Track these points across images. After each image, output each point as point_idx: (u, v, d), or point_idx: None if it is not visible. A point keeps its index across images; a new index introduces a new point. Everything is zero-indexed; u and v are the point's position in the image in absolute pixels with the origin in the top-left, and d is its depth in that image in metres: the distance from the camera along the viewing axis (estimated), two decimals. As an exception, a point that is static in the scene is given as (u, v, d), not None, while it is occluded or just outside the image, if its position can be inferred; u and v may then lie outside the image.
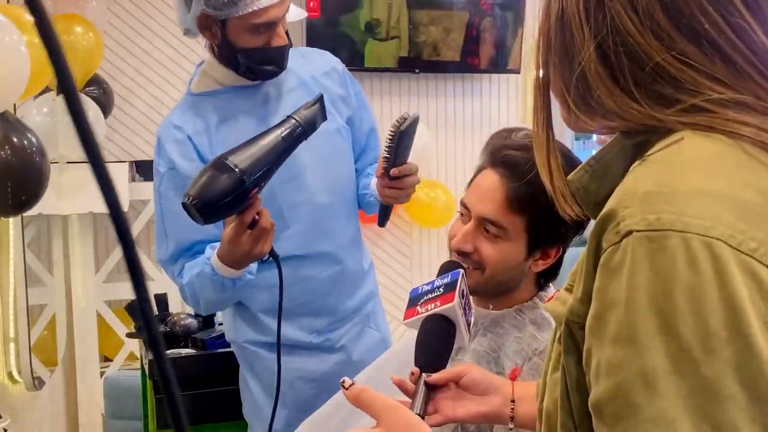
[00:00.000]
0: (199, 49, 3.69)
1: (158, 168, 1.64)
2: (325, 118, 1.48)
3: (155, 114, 3.68)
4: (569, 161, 1.17)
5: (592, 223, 0.67)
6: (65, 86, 0.38)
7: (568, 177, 0.74)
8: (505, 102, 4.18)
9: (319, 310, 1.75)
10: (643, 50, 0.65)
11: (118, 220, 0.41)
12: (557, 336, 0.71)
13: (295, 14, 2.99)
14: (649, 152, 0.65)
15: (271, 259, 1.45)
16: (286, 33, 1.62)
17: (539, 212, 1.20)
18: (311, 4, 3.60)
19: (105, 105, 3.24)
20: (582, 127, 0.75)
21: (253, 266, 1.58)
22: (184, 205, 1.31)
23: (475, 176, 1.32)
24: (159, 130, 1.66)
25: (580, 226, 1.27)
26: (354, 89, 1.81)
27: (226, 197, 1.30)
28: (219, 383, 1.91)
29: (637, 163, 0.65)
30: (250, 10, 1.50)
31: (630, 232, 0.58)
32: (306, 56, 1.78)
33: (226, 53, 1.61)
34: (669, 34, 0.64)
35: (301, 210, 1.68)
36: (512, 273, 1.27)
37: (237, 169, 1.30)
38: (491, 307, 1.31)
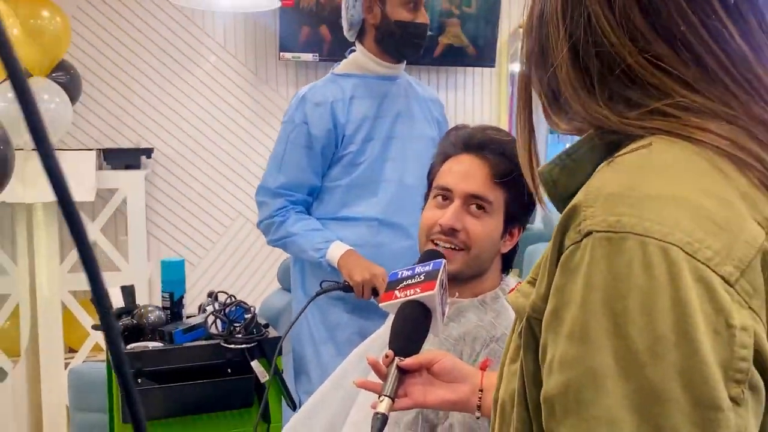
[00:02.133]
0: (170, 35, 3.65)
1: (294, 117, 2.06)
2: None
3: (124, 101, 3.63)
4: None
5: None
6: (13, 73, 0.37)
7: (539, 169, 0.74)
8: (479, 96, 4.18)
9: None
10: (617, 51, 0.65)
11: (70, 213, 0.40)
12: (517, 329, 0.72)
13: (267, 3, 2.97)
14: (618, 154, 0.65)
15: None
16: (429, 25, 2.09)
17: (517, 186, 1.30)
18: (285, -7, 3.58)
19: (72, 91, 3.18)
20: (554, 128, 0.76)
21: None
22: None
23: (438, 166, 1.39)
24: (305, 91, 2.09)
25: (534, 207, 1.39)
26: (445, 125, 2.24)
27: None
28: (186, 377, 1.89)
29: (605, 163, 0.66)
30: None
31: (590, 233, 0.59)
32: (422, 85, 2.31)
33: (385, 29, 2.03)
34: (644, 36, 0.65)
35: (390, 185, 2.09)
36: (491, 251, 1.36)
37: None
38: (457, 294, 1.36)
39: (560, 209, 0.72)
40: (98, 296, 0.42)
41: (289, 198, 2.07)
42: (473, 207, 1.33)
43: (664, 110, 0.65)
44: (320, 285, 1.87)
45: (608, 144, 0.69)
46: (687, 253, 0.56)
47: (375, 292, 1.88)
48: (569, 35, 0.68)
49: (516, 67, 4.36)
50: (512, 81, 4.27)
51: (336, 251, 1.96)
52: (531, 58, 0.75)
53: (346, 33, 2.13)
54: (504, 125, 4.19)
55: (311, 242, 2.01)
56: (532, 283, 0.70)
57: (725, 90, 0.65)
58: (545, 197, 0.77)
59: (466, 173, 1.33)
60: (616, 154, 0.66)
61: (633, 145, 0.65)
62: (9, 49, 0.37)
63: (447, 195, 1.35)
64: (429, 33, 2.17)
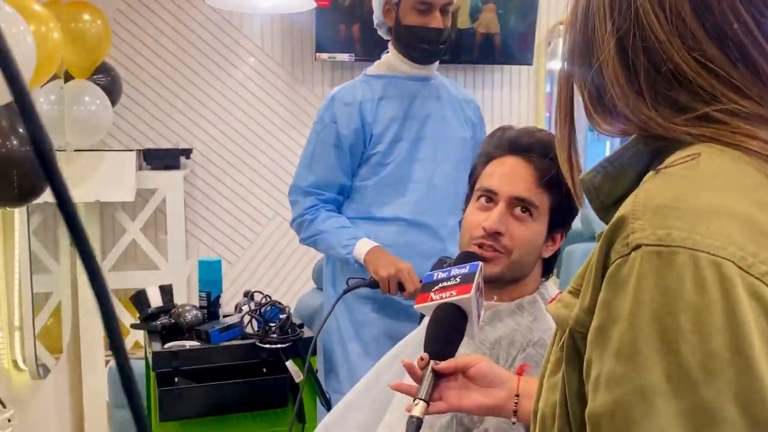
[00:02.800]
0: (208, 37, 3.69)
1: (323, 117, 2.09)
2: None
3: (164, 102, 3.68)
4: None
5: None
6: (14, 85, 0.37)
7: (580, 176, 0.73)
8: (517, 94, 4.15)
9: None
10: (665, 50, 0.63)
11: (70, 215, 0.40)
12: (560, 341, 0.70)
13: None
14: (666, 163, 0.63)
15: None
16: (451, 29, 2.07)
17: (562, 191, 1.27)
18: (321, -7, 3.59)
19: (113, 93, 3.23)
20: (596, 127, 0.73)
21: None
22: None
23: (482, 167, 1.37)
24: (335, 91, 2.11)
25: (577, 212, 1.36)
26: (481, 125, 2.26)
27: None
28: (222, 377, 1.91)
29: (652, 173, 0.64)
30: None
31: (639, 246, 0.57)
32: (456, 86, 2.28)
33: (397, 33, 2.05)
34: (694, 34, 0.63)
35: (420, 185, 2.09)
36: (532, 256, 1.33)
37: None
38: (495, 298, 1.33)
39: (602, 217, 0.71)
40: (100, 295, 0.42)
41: (319, 197, 2.09)
42: (518, 210, 1.30)
43: (712, 116, 0.63)
44: (347, 282, 1.88)
45: (653, 151, 0.67)
46: (740, 267, 0.54)
47: (401, 287, 1.88)
48: (616, 30, 0.66)
49: (554, 65, 4.32)
50: (551, 79, 4.23)
51: (362, 248, 1.97)
52: (574, 53, 0.72)
53: (378, 32, 2.15)
54: (542, 125, 4.15)
55: (339, 239, 2.02)
56: (574, 293, 0.69)
57: None
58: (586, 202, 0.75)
59: (512, 175, 1.31)
60: (663, 165, 0.63)
61: (680, 154, 0.63)
62: (7, 56, 0.37)
63: (491, 197, 1.32)
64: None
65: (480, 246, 1.31)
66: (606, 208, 0.70)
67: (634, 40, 0.65)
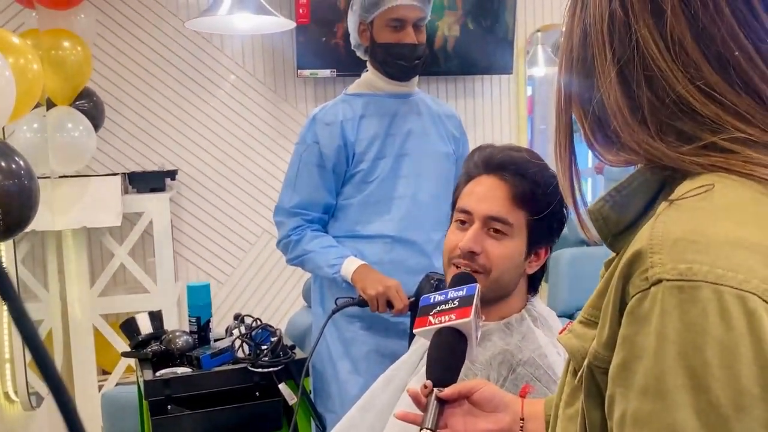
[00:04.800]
0: (189, 58, 3.67)
1: (305, 138, 2.08)
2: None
3: (147, 125, 3.66)
4: None
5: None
6: None
7: (588, 207, 0.71)
8: (498, 102, 4.16)
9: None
10: (667, 79, 0.62)
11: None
12: (575, 371, 0.69)
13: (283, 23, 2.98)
14: (679, 194, 0.62)
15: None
16: (425, 45, 2.07)
17: (538, 207, 1.28)
18: (300, 11, 3.58)
19: (96, 118, 3.22)
20: (599, 158, 0.72)
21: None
22: None
23: (462, 187, 1.38)
24: (316, 112, 2.10)
25: (562, 226, 1.35)
26: (463, 139, 2.25)
27: None
28: (215, 402, 1.89)
29: (665, 204, 0.62)
30: (388, 6, 1.98)
31: (660, 281, 0.56)
32: (436, 101, 2.27)
33: (373, 51, 2.05)
34: (696, 63, 0.62)
35: (404, 201, 2.08)
36: (513, 274, 1.33)
37: None
38: (483, 317, 1.32)
39: (611, 246, 0.70)
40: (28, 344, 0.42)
41: (304, 217, 2.08)
42: (492, 229, 1.31)
43: (720, 144, 0.62)
44: (335, 302, 1.87)
45: (661, 179, 0.66)
46: (765, 300, 0.54)
47: (390, 305, 1.88)
48: (617, 60, 0.65)
49: (534, 72, 4.34)
50: (532, 83, 4.25)
51: (350, 266, 1.96)
52: (572, 82, 0.71)
53: (356, 52, 2.15)
54: (524, 130, 4.16)
55: (326, 259, 2.01)
56: (586, 324, 0.68)
57: None
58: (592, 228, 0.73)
59: (485, 195, 1.32)
60: (676, 196, 0.62)
61: (692, 184, 0.62)
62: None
63: (467, 217, 1.34)
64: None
65: (457, 266, 1.32)
66: (615, 237, 0.69)
67: (636, 70, 0.64)
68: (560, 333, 0.83)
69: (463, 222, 1.34)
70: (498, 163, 1.33)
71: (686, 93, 0.62)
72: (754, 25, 0.62)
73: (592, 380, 0.65)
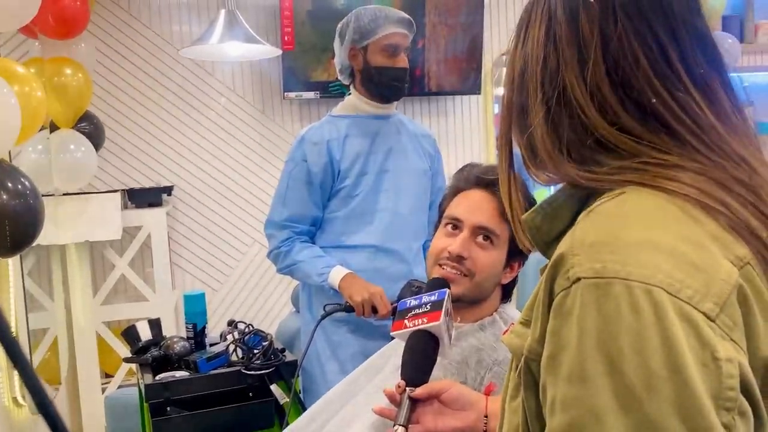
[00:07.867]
0: (183, 83, 3.66)
1: (295, 156, 2.08)
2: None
3: (144, 145, 3.64)
4: (526, 197, 1.20)
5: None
6: None
7: (523, 217, 0.74)
8: (468, 121, 4.18)
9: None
10: (587, 123, 0.64)
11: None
12: (516, 367, 0.71)
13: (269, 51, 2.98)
14: (596, 203, 0.65)
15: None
16: (408, 69, 2.10)
17: None
18: (286, 38, 3.58)
19: (96, 139, 3.18)
20: (533, 179, 0.75)
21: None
22: None
23: (450, 198, 1.39)
24: (304, 132, 2.11)
25: None
26: (437, 156, 2.27)
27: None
28: (211, 403, 1.88)
29: (584, 213, 0.65)
30: (383, 33, 2.01)
31: (579, 279, 0.59)
32: (413, 122, 2.29)
33: (366, 74, 2.06)
34: (613, 108, 0.64)
35: (385, 214, 2.09)
36: (492, 281, 1.35)
37: None
38: (459, 319, 1.34)
39: (543, 252, 0.72)
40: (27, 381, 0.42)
41: (293, 229, 2.09)
42: (480, 238, 1.32)
43: (633, 166, 0.64)
44: (324, 309, 1.87)
45: (584, 195, 0.69)
46: (669, 293, 0.56)
47: (374, 310, 1.88)
48: (546, 101, 0.67)
49: (500, 92, 4.36)
50: (498, 101, 4.26)
51: (337, 275, 1.97)
52: (512, 111, 0.73)
53: (339, 77, 2.15)
54: (492, 147, 4.19)
55: (315, 268, 2.01)
56: (525, 324, 0.70)
57: (696, 152, 0.64)
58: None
59: (477, 206, 1.33)
60: (593, 205, 0.65)
61: (609, 194, 0.65)
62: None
63: (457, 225, 1.35)
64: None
65: (443, 267, 1.33)
66: (547, 244, 0.71)
67: (561, 113, 0.66)
68: (503, 334, 0.84)
69: (454, 227, 1.35)
70: (490, 179, 1.34)
71: (607, 133, 0.64)
72: (669, 75, 0.64)
73: (529, 372, 0.67)
